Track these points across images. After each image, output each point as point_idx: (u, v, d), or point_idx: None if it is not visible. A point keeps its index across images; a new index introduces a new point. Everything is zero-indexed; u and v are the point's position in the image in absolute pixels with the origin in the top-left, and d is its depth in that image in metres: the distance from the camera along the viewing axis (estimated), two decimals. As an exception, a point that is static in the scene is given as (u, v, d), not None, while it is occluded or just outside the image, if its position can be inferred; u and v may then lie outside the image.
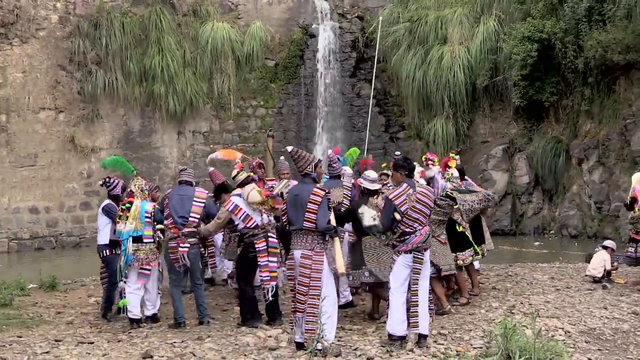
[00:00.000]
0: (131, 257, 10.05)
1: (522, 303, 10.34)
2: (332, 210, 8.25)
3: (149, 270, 10.21)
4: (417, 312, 7.94)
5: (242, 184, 9.94)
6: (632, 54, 18.96)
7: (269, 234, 9.68)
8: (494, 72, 22.78)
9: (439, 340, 8.31)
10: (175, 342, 8.81)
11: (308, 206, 7.88)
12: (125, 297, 10.22)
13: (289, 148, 8.32)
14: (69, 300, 12.64)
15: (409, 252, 8.04)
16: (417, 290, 8.00)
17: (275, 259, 9.71)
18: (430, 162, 10.85)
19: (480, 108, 23.71)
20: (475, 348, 7.78)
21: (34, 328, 10.01)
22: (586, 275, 12.61)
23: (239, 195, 9.78)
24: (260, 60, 25.93)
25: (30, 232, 22.73)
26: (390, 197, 8.12)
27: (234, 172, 10.26)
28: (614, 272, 12.53)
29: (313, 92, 26.12)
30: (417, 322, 7.93)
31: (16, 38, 22.81)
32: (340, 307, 9.69)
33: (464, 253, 10.66)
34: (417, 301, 7.97)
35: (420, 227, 8.11)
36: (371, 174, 9.84)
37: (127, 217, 10.13)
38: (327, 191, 8.12)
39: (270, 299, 9.67)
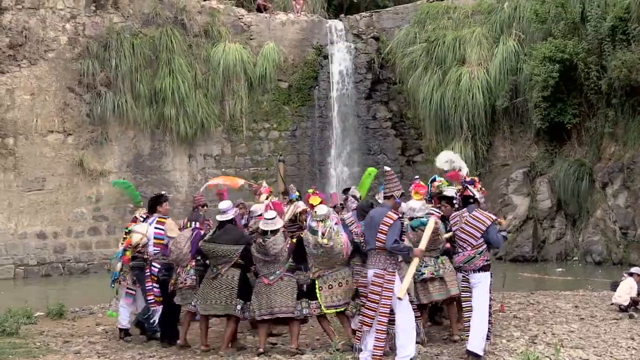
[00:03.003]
0: (117, 274, 11.61)
1: (544, 333, 10.20)
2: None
3: (134, 290, 11.47)
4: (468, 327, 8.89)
5: None
6: (657, 74, 18.56)
7: (152, 263, 10.83)
8: (514, 93, 22.48)
9: None
10: None
11: (380, 227, 8.45)
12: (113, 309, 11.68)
13: (387, 168, 9.21)
14: (77, 328, 12.51)
15: (458, 270, 9.24)
16: (468, 307, 9.03)
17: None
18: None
19: (500, 130, 23.37)
20: None
21: (40, 357, 9.89)
22: (612, 304, 12.45)
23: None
24: (273, 82, 25.61)
25: (38, 258, 22.32)
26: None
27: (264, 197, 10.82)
28: None
29: (327, 115, 25.73)
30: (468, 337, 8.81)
31: (24, 60, 22.59)
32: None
33: None
34: (468, 317, 8.93)
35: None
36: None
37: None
38: (400, 215, 8.74)
39: (156, 320, 10.80)
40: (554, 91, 20.72)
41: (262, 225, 9.57)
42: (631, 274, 12.42)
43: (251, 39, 25.85)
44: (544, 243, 21.73)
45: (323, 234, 9.23)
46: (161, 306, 10.73)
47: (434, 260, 9.84)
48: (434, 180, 11.33)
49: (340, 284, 9.38)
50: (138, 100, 23.81)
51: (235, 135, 25.43)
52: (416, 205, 9.73)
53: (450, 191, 10.52)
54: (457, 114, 23.01)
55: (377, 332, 8.36)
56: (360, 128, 25.78)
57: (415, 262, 8.63)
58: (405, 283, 8.40)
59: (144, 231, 11.20)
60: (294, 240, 9.61)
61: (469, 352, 8.65)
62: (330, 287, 9.35)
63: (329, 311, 9.44)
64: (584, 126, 21.38)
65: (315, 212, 9.69)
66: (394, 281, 8.41)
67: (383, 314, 8.32)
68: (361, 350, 8.57)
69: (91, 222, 23.24)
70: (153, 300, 10.76)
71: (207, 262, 10.05)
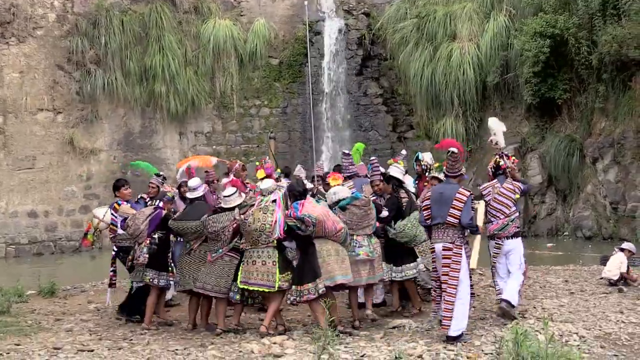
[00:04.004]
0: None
1: (534, 307, 10.19)
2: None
3: None
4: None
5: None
6: (648, 49, 18.53)
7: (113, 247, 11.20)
8: (505, 69, 22.38)
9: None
10: (177, 350, 8.66)
11: (454, 203, 8.62)
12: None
13: (454, 149, 9.25)
14: (69, 306, 12.46)
15: (491, 238, 9.67)
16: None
17: None
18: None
19: (490, 106, 23.25)
20: (486, 354, 7.64)
21: (32, 336, 9.80)
22: (601, 278, 12.47)
23: None
24: (264, 59, 25.51)
25: (29, 237, 22.30)
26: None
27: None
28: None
29: (318, 91, 25.59)
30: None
31: (13, 37, 22.45)
32: (374, 305, 10.21)
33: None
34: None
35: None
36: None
37: None
38: (471, 192, 8.89)
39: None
40: (545, 66, 20.64)
41: (222, 203, 9.64)
42: (622, 250, 12.46)
43: (241, 16, 25.72)
44: (534, 218, 21.75)
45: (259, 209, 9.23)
46: (113, 288, 11.57)
47: (368, 240, 9.53)
48: (418, 158, 11.34)
49: (264, 263, 9.16)
50: (128, 77, 23.72)
51: (226, 112, 25.36)
52: (337, 189, 9.60)
53: (396, 170, 10.54)
54: (448, 90, 22.93)
55: (446, 303, 8.50)
56: (351, 104, 25.70)
57: (479, 237, 9.02)
58: (475, 254, 8.87)
59: (101, 216, 11.50)
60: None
61: (503, 300, 9.15)
62: (254, 262, 9.20)
63: (242, 286, 9.29)
64: (574, 101, 21.31)
65: (259, 185, 9.80)
66: (462, 254, 8.63)
67: (452, 286, 8.51)
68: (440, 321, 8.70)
69: (82, 200, 23.22)
70: (109, 283, 11.62)
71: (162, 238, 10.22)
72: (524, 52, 20.80)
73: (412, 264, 10.09)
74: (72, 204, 23.10)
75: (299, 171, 12.30)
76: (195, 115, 24.87)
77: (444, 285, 8.66)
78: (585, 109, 21.09)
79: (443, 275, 8.68)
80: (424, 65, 23.42)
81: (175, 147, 24.67)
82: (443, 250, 8.68)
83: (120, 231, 10.89)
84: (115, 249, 11.24)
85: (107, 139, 23.72)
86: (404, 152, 12.16)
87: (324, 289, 8.83)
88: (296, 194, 9.26)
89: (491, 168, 10.18)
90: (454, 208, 8.63)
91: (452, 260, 8.58)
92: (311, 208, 9.00)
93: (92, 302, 12.75)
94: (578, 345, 7.87)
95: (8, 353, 8.59)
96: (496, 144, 10.40)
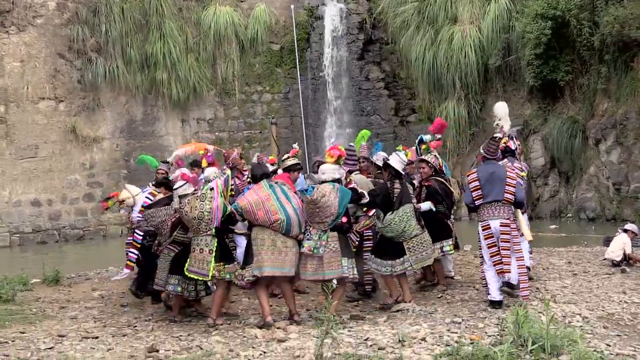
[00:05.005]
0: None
1: (538, 289, 10.15)
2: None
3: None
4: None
5: (288, 169, 10.04)
6: (650, 30, 18.46)
7: (136, 230, 11.02)
8: (507, 51, 22.29)
9: (452, 328, 8.10)
10: (181, 336, 8.68)
11: (508, 181, 9.14)
12: None
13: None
14: (73, 294, 12.43)
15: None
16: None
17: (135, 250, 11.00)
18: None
19: (492, 89, 23.20)
20: (489, 336, 7.56)
21: (37, 324, 9.81)
22: (604, 259, 12.48)
23: None
24: (265, 45, 25.47)
25: (33, 226, 22.33)
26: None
27: (285, 156, 10.48)
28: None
29: (320, 76, 25.56)
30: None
31: (13, 26, 22.43)
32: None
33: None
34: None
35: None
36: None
37: None
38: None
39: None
40: (547, 48, 20.56)
41: (174, 196, 9.70)
42: (625, 231, 12.48)
43: (242, 1, 25.70)
44: (537, 201, 21.71)
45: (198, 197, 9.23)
46: (129, 270, 11.35)
47: (319, 234, 8.91)
48: (422, 141, 11.20)
49: (201, 250, 9.12)
50: (129, 65, 23.71)
51: (227, 98, 25.35)
52: (325, 168, 9.27)
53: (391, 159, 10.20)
54: (450, 73, 22.86)
55: (520, 275, 9.07)
56: (353, 89, 25.64)
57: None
58: (526, 227, 9.66)
59: (135, 194, 11.40)
60: None
61: (506, 283, 9.22)
62: (194, 250, 9.20)
63: (190, 275, 9.23)
64: (576, 83, 21.23)
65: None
66: (516, 228, 9.19)
67: (520, 258, 9.15)
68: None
69: (86, 188, 23.26)
70: (127, 265, 11.38)
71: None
72: (526, 34, 20.73)
73: (398, 260, 9.52)
74: (76, 192, 23.13)
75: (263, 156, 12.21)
76: (197, 102, 24.85)
77: (505, 259, 9.01)
78: (588, 91, 21.02)
79: (504, 249, 9.04)
80: (426, 48, 23.32)
81: (178, 134, 24.66)
82: (501, 226, 9.08)
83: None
84: (141, 234, 10.97)
85: (110, 127, 23.73)
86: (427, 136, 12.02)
87: (251, 278, 8.82)
88: (256, 175, 9.26)
89: (501, 150, 10.15)
90: (509, 185, 9.12)
91: (512, 235, 9.07)
92: (250, 196, 8.98)
93: (96, 289, 12.75)
94: (581, 326, 7.85)
95: (13, 341, 8.60)
96: (502, 128, 10.43)
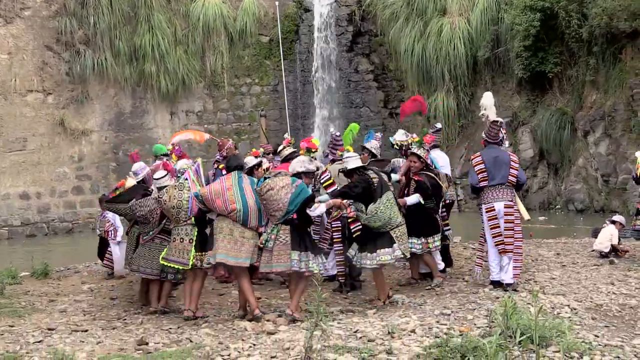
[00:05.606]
0: None
1: (527, 280, 10.16)
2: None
3: None
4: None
5: (286, 159, 10.17)
6: (638, 21, 18.55)
7: None
8: (496, 43, 22.40)
9: (441, 320, 8.05)
10: (171, 328, 8.66)
11: (512, 165, 9.58)
12: None
13: (500, 119, 9.95)
14: (62, 288, 12.36)
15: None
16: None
17: None
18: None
19: (481, 81, 23.30)
20: (478, 327, 7.53)
21: (26, 317, 9.73)
22: (593, 251, 12.51)
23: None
24: (254, 37, 25.43)
25: (21, 219, 22.27)
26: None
27: (280, 147, 10.70)
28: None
29: (309, 68, 25.54)
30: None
31: (0, 18, 22.18)
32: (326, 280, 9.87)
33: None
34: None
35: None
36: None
37: None
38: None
39: None
40: (535, 40, 20.64)
41: (153, 186, 9.74)
42: (613, 222, 12.51)
43: (230, -7, 25.61)
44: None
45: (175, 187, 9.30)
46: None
47: (272, 227, 8.75)
48: (392, 144, 11.17)
49: (182, 240, 9.20)
50: (118, 57, 23.61)
51: (216, 90, 25.31)
52: (294, 161, 9.21)
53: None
54: (439, 65, 22.94)
55: (516, 255, 9.55)
56: (343, 81, 25.65)
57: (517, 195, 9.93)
58: (523, 209, 10.04)
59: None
60: None
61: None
62: (174, 240, 9.28)
63: (162, 262, 9.30)
64: (565, 75, 21.32)
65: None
66: (518, 210, 9.70)
67: (519, 239, 9.62)
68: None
69: (74, 181, 23.18)
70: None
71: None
72: (515, 26, 20.80)
73: (388, 249, 9.27)
74: (65, 185, 23.05)
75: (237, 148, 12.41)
76: (186, 94, 24.80)
77: (508, 240, 9.46)
78: (576, 82, 21.11)
79: (507, 230, 9.49)
80: (415, 40, 23.39)
81: (167, 126, 24.60)
82: (505, 207, 9.51)
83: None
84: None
85: (98, 119, 23.64)
86: (438, 125, 12.03)
87: (207, 265, 8.94)
88: (230, 168, 9.23)
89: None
90: (512, 169, 9.58)
91: (515, 217, 9.54)
92: (214, 185, 9.04)
93: (85, 282, 12.68)
94: (569, 317, 7.85)
95: (2, 334, 8.55)
96: (487, 118, 10.42)
